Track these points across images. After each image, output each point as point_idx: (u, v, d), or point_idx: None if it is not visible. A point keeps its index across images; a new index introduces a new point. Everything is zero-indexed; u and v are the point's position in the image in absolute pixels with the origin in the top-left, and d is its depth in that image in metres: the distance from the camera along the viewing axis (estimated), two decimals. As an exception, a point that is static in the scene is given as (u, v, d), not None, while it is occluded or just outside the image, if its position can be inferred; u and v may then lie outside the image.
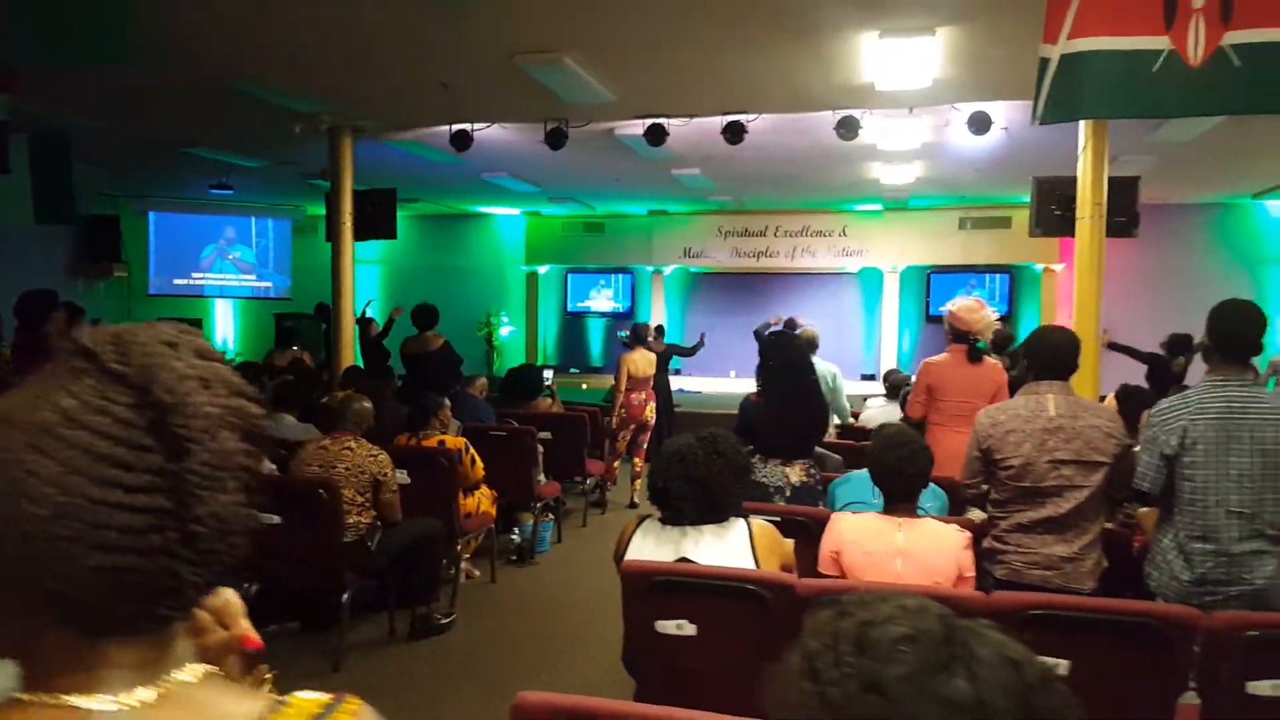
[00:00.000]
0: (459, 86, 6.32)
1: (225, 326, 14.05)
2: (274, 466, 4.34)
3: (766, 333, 6.55)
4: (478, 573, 5.48)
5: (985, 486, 3.12)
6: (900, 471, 2.76)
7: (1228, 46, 3.41)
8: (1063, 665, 2.32)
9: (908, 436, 2.92)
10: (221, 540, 0.71)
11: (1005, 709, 0.76)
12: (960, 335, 4.48)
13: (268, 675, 0.88)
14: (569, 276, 14.18)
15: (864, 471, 3.13)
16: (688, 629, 2.56)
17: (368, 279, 13.77)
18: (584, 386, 12.29)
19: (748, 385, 4.60)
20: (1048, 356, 3.06)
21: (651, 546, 2.66)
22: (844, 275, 13.17)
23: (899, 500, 2.78)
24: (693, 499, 2.60)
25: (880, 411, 6.59)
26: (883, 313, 12.87)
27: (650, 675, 2.67)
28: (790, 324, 6.95)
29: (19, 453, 0.66)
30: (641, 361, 7.81)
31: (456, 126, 7.33)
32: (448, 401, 5.24)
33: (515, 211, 13.79)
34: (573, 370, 13.67)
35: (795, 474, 3.95)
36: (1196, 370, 4.07)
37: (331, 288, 7.62)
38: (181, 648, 0.73)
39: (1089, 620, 2.35)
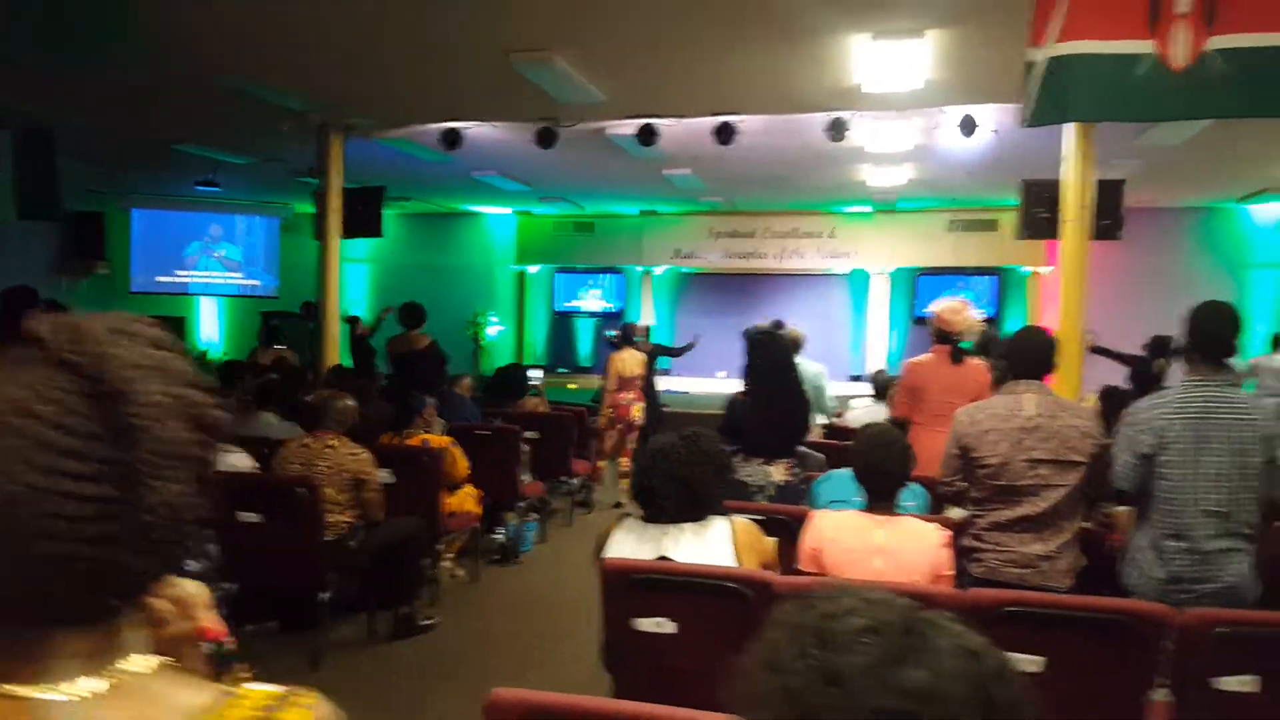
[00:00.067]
0: (450, 84, 6.31)
1: (211, 325, 13.98)
2: (256, 465, 4.33)
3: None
4: (461, 572, 5.47)
5: (963, 484, 3.14)
6: (882, 470, 2.78)
7: (1211, 51, 3.44)
8: (1037, 662, 2.33)
9: (890, 436, 2.93)
10: (172, 530, 0.70)
11: (963, 699, 0.76)
12: (944, 336, 4.51)
13: (245, 674, 0.88)
14: (558, 276, 14.17)
15: (846, 470, 3.15)
16: (667, 627, 2.56)
17: (356, 277, 13.72)
18: (572, 386, 12.29)
19: (736, 386, 4.62)
20: (1025, 357, 3.08)
21: (632, 544, 2.66)
22: (833, 277, 13.21)
23: (880, 499, 2.79)
24: (674, 497, 2.61)
25: (866, 412, 6.61)
26: (871, 314, 12.92)
27: (629, 673, 2.67)
28: (777, 325, 6.97)
29: None
30: (630, 361, 7.82)
31: (447, 125, 7.32)
32: (432, 400, 5.23)
33: (506, 211, 13.77)
34: (561, 370, 13.65)
35: (778, 473, 3.96)
36: (1179, 372, 4.09)
37: (318, 286, 7.60)
38: (133, 638, 0.73)
39: (1062, 617, 2.37)
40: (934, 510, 3.60)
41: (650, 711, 1.63)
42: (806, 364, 6.16)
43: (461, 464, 5.16)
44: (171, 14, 4.94)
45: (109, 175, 10.96)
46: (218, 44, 5.49)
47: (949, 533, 2.74)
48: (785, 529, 3.20)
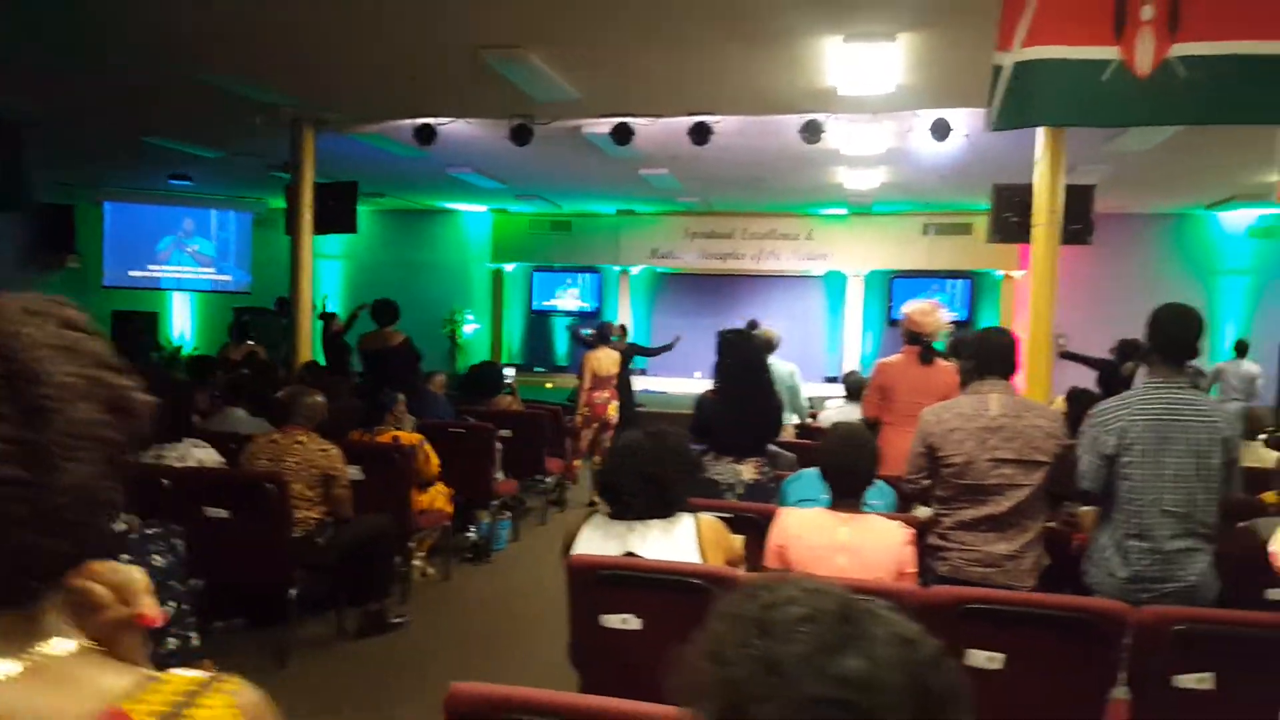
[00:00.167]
0: (423, 80, 6.28)
1: (183, 320, 13.84)
2: (223, 460, 4.29)
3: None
4: (432, 570, 5.45)
5: (927, 482, 3.17)
6: (848, 469, 2.80)
7: (1174, 58, 3.49)
8: (998, 659, 2.36)
9: (857, 434, 2.96)
10: (85, 511, 0.70)
11: (898, 686, 0.77)
12: (914, 337, 4.55)
13: (209, 671, 0.87)
14: (535, 275, 14.14)
15: (816, 469, 3.16)
16: (633, 623, 2.57)
17: (330, 274, 13.63)
18: (549, 386, 12.27)
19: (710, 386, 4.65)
20: (988, 356, 3.12)
21: (599, 541, 2.67)
22: (809, 279, 13.28)
23: (846, 497, 2.81)
24: (640, 493, 2.61)
25: (839, 412, 6.65)
26: (846, 316, 13.00)
27: (596, 669, 2.67)
28: (751, 325, 7.00)
29: None
30: (605, 360, 7.83)
31: (420, 121, 7.28)
32: (402, 397, 5.20)
33: (482, 209, 13.73)
34: (538, 369, 13.63)
35: (748, 471, 3.98)
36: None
37: (290, 282, 7.54)
38: (53, 621, 0.72)
39: (1023, 614, 2.39)
40: (901, 509, 3.62)
41: (605, 705, 1.64)
42: (780, 364, 6.19)
43: (433, 461, 5.14)
44: (142, 7, 4.88)
45: (80, 168, 10.82)
46: (189, 37, 5.43)
47: (912, 530, 2.77)
48: (754, 527, 3.21)
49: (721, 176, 9.71)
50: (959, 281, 12.64)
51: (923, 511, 3.40)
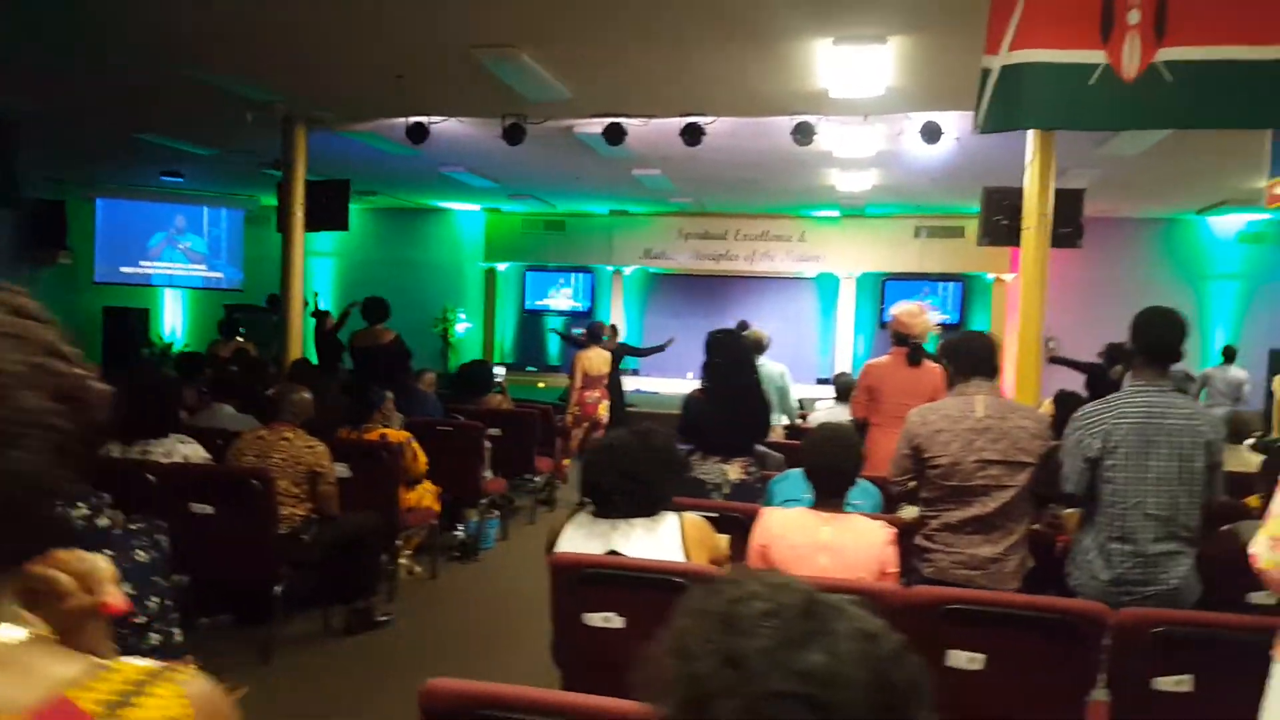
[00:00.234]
0: (415, 78, 6.28)
1: (174, 316, 13.80)
2: (209, 456, 4.28)
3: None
4: (419, 569, 5.44)
5: (913, 484, 3.18)
6: (831, 468, 2.80)
7: (1161, 63, 3.51)
8: (978, 659, 2.37)
9: (841, 433, 2.96)
10: (32, 500, 0.70)
11: (860, 681, 0.77)
12: (901, 338, 4.56)
13: (191, 667, 0.87)
14: (528, 274, 14.13)
15: (801, 469, 3.17)
16: (615, 622, 2.57)
17: (322, 271, 13.60)
18: (541, 385, 12.27)
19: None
20: (968, 357, 3.15)
21: (582, 539, 2.66)
22: (801, 280, 13.31)
23: (828, 496, 2.82)
24: (623, 491, 2.61)
25: (828, 413, 6.66)
26: (838, 318, 13.03)
27: (578, 667, 2.67)
28: (741, 325, 7.02)
29: None
30: (596, 360, 7.84)
31: (413, 119, 7.28)
32: (390, 395, 5.20)
33: (475, 208, 13.71)
34: (530, 369, 13.62)
35: (734, 471, 3.98)
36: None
37: (281, 279, 7.52)
38: (4, 609, 0.72)
39: (1004, 615, 2.40)
40: (887, 510, 3.63)
41: (579, 701, 1.64)
42: (770, 365, 6.21)
43: (420, 459, 5.13)
44: (137, 5, 4.87)
45: (73, 164, 10.79)
46: (184, 36, 5.42)
47: (894, 530, 2.78)
48: (739, 527, 3.22)
49: (714, 178, 9.72)
50: (951, 284, 12.68)
51: (909, 511, 3.41)
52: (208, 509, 3.91)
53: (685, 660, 0.81)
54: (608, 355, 8.02)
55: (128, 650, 0.83)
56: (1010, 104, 3.62)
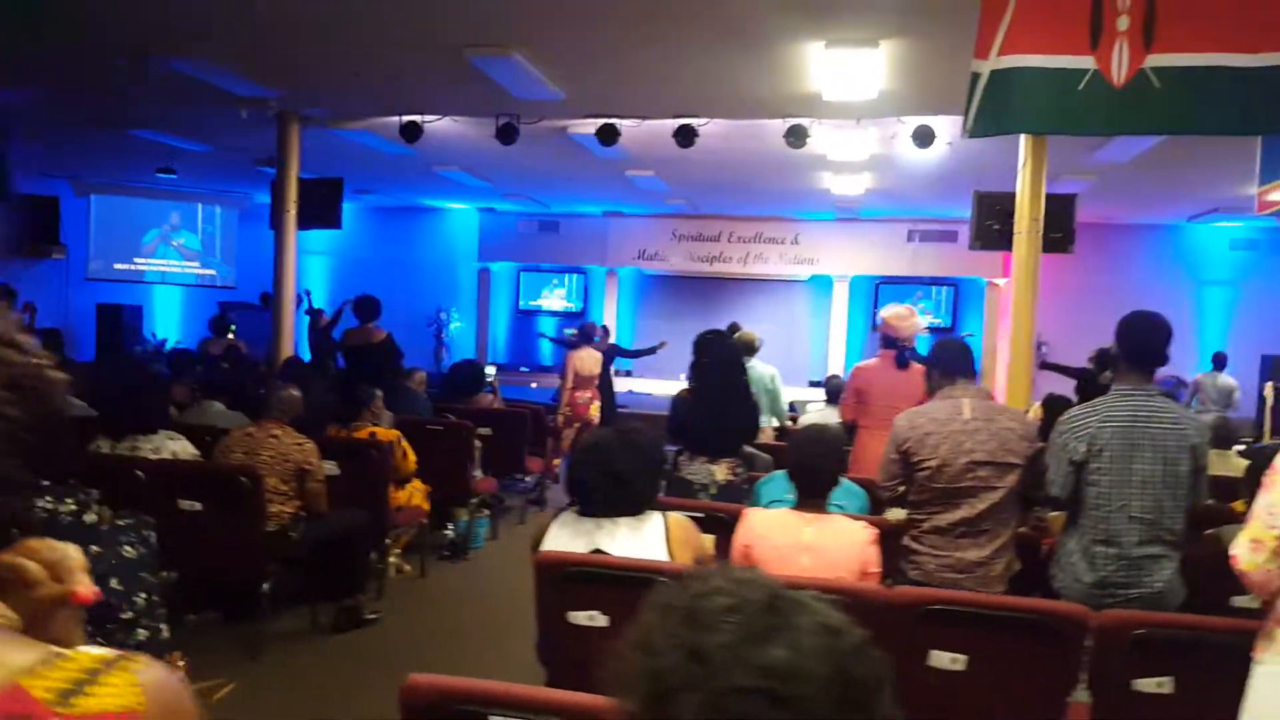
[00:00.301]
0: (408, 77, 6.28)
1: (168, 313, 13.76)
2: (198, 453, 4.27)
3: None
4: (408, 567, 5.44)
5: (902, 489, 3.18)
6: (814, 468, 2.81)
7: (1149, 69, 3.53)
8: (960, 660, 2.38)
9: (824, 434, 2.97)
10: None
11: (822, 675, 0.78)
12: (890, 341, 4.58)
13: (179, 663, 0.87)
14: (522, 274, 14.13)
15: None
16: (599, 620, 2.57)
17: (316, 270, 13.58)
18: (534, 385, 12.26)
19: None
20: (953, 361, 3.18)
21: (567, 537, 2.67)
22: (795, 283, 13.33)
23: (811, 496, 2.83)
24: (607, 490, 2.61)
25: (819, 415, 6.66)
26: (832, 321, 13.05)
27: (562, 666, 2.68)
28: (733, 327, 7.03)
29: None
30: (588, 360, 7.84)
31: (406, 118, 7.28)
32: (380, 393, 5.20)
33: (469, 207, 13.71)
34: (523, 369, 13.62)
35: (721, 472, 3.99)
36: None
37: (274, 277, 7.52)
38: None
39: (985, 616, 2.41)
40: (874, 512, 3.64)
41: (560, 697, 1.65)
42: (760, 366, 6.21)
43: (410, 458, 5.13)
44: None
45: (67, 160, 10.76)
46: (173, 26, 5.41)
47: (876, 530, 2.78)
48: (724, 527, 3.23)
49: (708, 180, 9.74)
50: (944, 288, 12.71)
51: (895, 513, 3.42)
52: (196, 505, 3.91)
53: (649, 655, 0.82)
54: (599, 356, 8.02)
55: (117, 647, 0.83)
56: (999, 109, 3.64)
